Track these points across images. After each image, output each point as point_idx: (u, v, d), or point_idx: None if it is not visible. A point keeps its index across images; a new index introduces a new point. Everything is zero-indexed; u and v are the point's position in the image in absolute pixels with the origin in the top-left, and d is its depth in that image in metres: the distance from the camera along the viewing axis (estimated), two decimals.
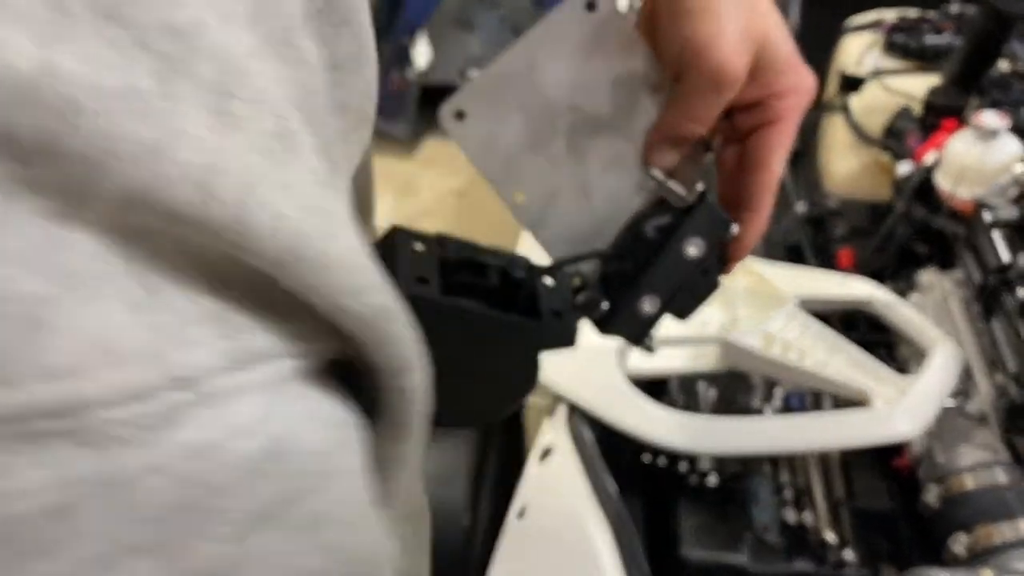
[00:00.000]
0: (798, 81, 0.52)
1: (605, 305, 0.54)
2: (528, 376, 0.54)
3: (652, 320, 0.54)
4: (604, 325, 0.54)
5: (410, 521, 0.44)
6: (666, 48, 0.51)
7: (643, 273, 0.53)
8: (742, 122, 0.54)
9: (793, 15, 1.93)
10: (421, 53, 3.00)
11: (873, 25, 1.62)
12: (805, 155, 1.63)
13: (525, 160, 0.52)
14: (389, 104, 3.01)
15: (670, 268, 0.53)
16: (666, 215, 0.53)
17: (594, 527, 0.81)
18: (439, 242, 0.51)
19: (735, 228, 0.53)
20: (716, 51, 0.48)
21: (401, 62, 3.09)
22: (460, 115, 0.52)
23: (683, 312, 0.54)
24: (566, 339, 0.53)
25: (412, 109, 2.95)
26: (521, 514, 0.85)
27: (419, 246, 0.50)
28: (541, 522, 0.85)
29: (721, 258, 0.54)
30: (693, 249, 0.52)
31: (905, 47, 1.53)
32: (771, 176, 0.53)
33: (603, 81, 0.52)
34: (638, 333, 0.54)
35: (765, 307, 1.00)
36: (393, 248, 0.49)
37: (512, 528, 0.85)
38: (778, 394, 1.04)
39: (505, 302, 0.50)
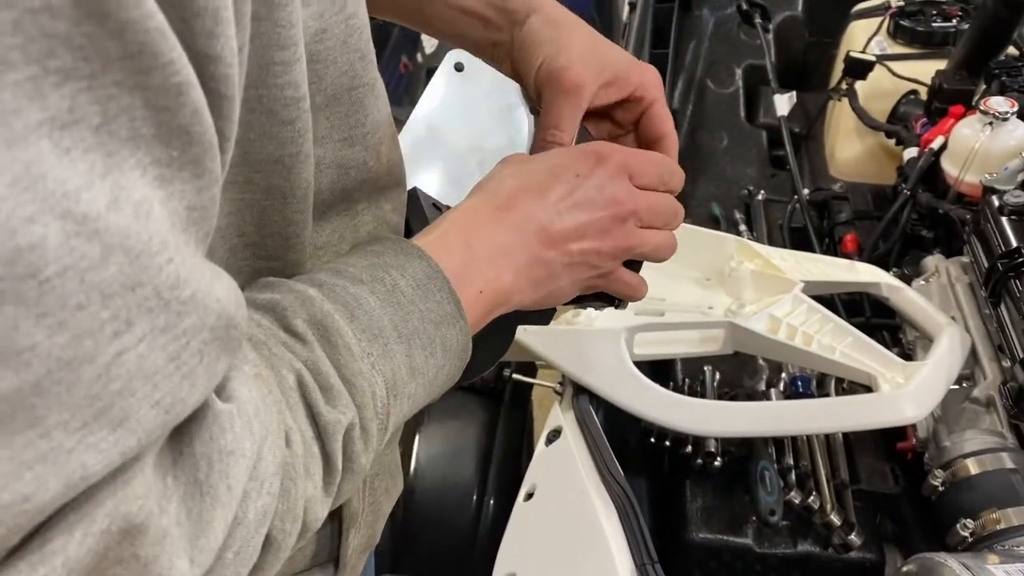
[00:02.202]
0: (644, 71, 0.69)
1: None
2: (507, 340, 0.67)
3: None
4: (579, 300, 0.65)
5: None
6: (526, 75, 0.67)
7: None
8: (624, 117, 0.70)
9: (800, 0, 1.92)
10: (429, 37, 3.00)
11: (879, 10, 1.62)
12: (811, 139, 1.62)
13: (452, 199, 0.62)
14: (397, 87, 3.00)
15: None
16: None
17: (600, 509, 0.81)
18: (448, 207, 0.62)
19: None
20: (567, 71, 0.65)
21: (409, 46, 3.08)
22: None
23: (635, 269, 0.66)
24: (545, 318, 0.66)
25: (419, 92, 2.94)
26: (529, 496, 0.86)
27: (433, 205, 0.63)
28: (548, 504, 0.85)
29: None
30: None
31: (912, 32, 1.52)
32: (672, 138, 0.69)
33: (491, 120, 0.66)
34: (608, 297, 0.66)
35: (771, 291, 1.00)
36: (415, 202, 0.62)
37: (520, 510, 0.85)
38: (783, 378, 1.04)
39: None
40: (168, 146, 0.33)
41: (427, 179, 0.63)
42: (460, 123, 0.65)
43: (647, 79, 0.69)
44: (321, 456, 0.45)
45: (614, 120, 0.71)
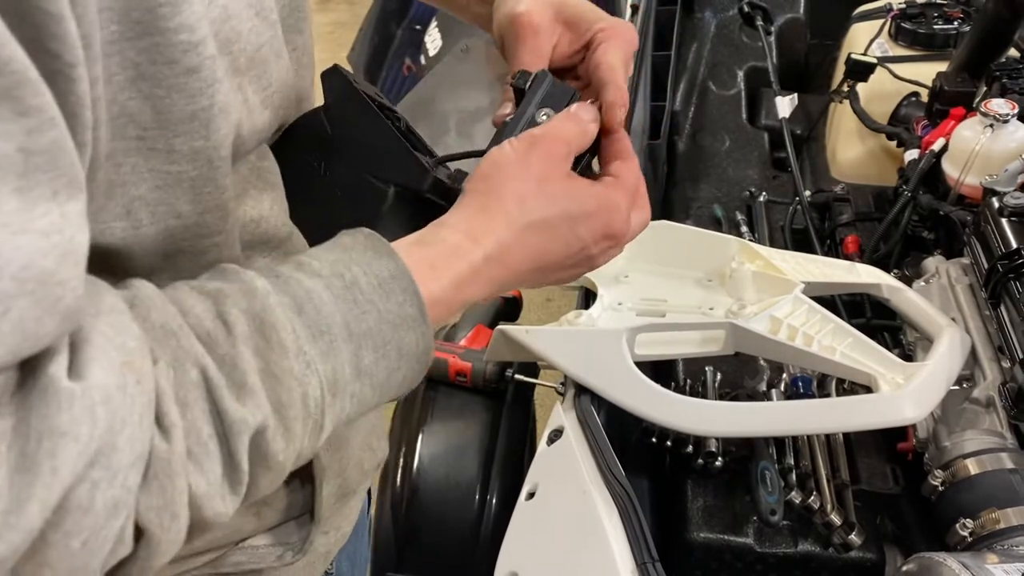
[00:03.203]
0: (612, 22, 0.68)
1: None
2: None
3: None
4: None
5: None
6: (495, 31, 0.69)
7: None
8: (584, 69, 0.69)
9: (801, 3, 1.92)
10: (432, 40, 3.00)
11: (881, 12, 1.62)
12: (812, 141, 1.63)
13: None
14: (400, 89, 3.00)
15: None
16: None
17: (601, 508, 0.81)
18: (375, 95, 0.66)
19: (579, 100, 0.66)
20: (523, 14, 0.66)
21: (413, 49, 3.08)
22: None
23: None
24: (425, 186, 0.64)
25: None
26: (531, 495, 0.86)
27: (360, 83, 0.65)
28: (550, 503, 0.85)
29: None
30: (543, 116, 0.64)
31: (913, 34, 1.53)
32: (608, 68, 0.66)
33: (480, 87, 0.72)
34: None
35: (772, 292, 1.00)
36: (341, 76, 0.63)
37: (522, 509, 0.85)
38: (784, 378, 1.04)
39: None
40: None
41: None
42: (449, 93, 0.73)
43: (616, 26, 0.68)
44: (220, 454, 0.44)
45: (579, 77, 0.71)
